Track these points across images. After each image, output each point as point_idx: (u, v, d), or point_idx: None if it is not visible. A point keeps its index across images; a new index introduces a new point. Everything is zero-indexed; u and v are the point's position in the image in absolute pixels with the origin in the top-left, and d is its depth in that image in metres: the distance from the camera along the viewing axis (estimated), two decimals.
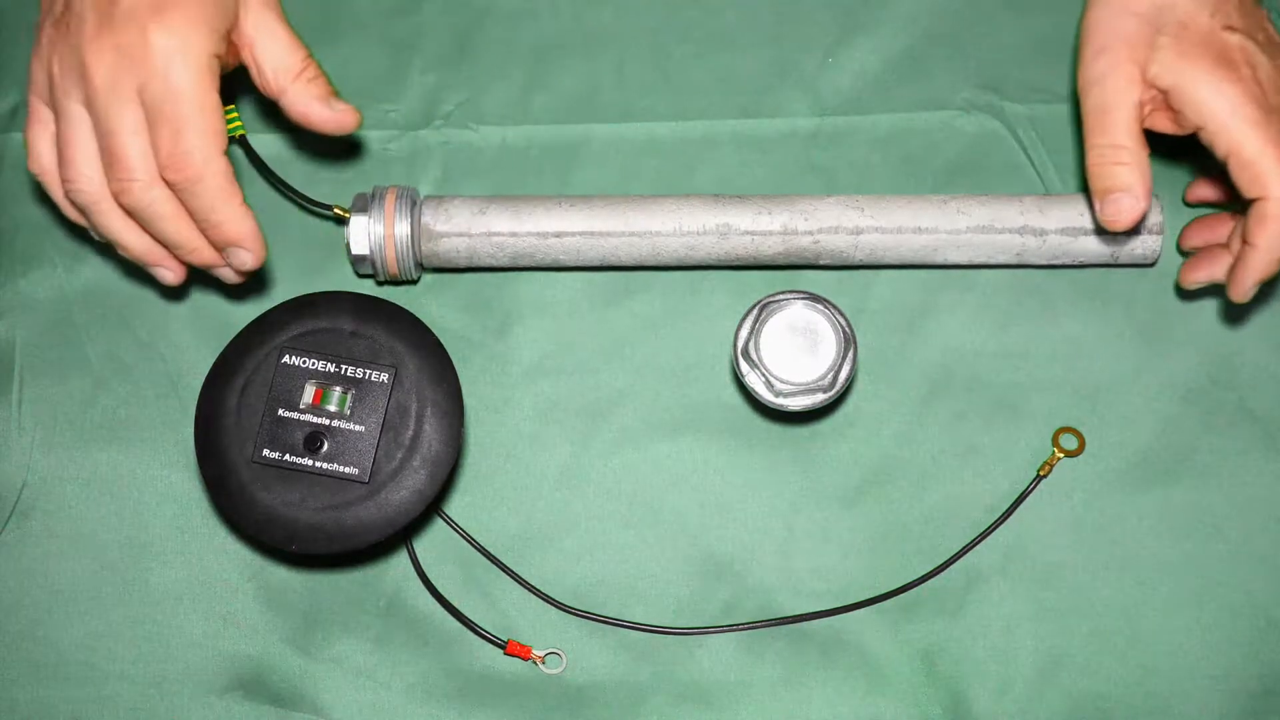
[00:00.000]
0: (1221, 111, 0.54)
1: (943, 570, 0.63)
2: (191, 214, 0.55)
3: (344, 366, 0.57)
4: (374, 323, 0.58)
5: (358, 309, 0.59)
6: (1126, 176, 0.56)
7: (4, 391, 0.64)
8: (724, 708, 0.61)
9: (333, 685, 0.61)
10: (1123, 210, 0.56)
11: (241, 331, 0.59)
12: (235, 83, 0.60)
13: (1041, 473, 0.63)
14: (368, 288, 0.67)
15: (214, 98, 0.54)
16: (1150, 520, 0.63)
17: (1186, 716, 0.61)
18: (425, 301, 0.66)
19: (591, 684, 0.61)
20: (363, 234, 0.63)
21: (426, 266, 0.65)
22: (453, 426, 0.58)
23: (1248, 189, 0.55)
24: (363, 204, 0.63)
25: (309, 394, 0.57)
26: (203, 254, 0.57)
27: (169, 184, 0.54)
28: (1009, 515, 0.63)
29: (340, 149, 0.69)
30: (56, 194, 0.58)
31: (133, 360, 0.65)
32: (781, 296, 0.60)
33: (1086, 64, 0.57)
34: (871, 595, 0.62)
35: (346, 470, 0.56)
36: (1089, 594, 0.62)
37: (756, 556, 0.63)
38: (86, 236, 0.61)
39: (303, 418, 0.57)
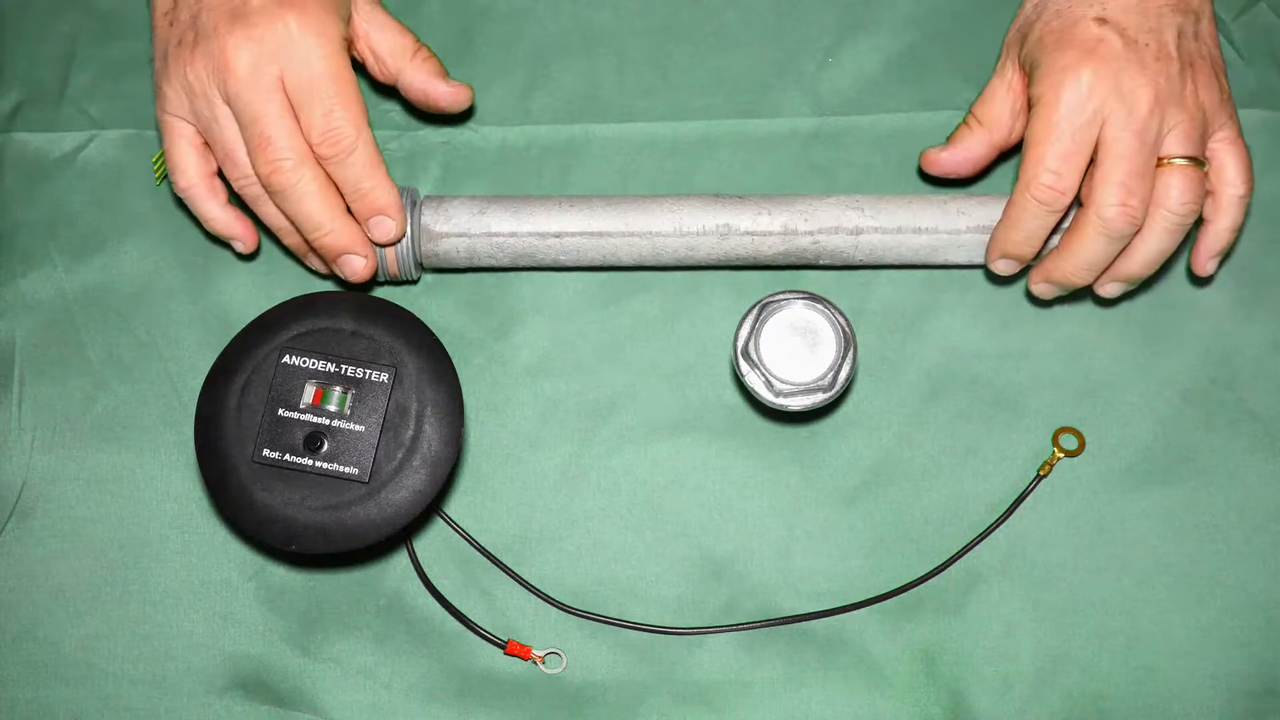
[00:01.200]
0: (1039, 95, 0.57)
1: (943, 570, 0.63)
2: (341, 186, 0.59)
3: (344, 366, 0.57)
4: (374, 323, 0.58)
5: (358, 309, 0.59)
6: (958, 132, 0.63)
7: (4, 391, 0.65)
8: (724, 708, 0.61)
9: (333, 685, 0.61)
10: (929, 158, 0.64)
11: (241, 331, 0.59)
12: None
13: (1041, 473, 0.63)
14: (368, 287, 0.67)
15: (353, 76, 0.59)
16: (1150, 520, 0.63)
17: (1186, 716, 0.61)
18: (425, 301, 0.66)
19: (591, 684, 0.61)
20: None
21: (426, 266, 0.65)
22: (453, 426, 0.58)
23: (1019, 169, 0.58)
24: None
25: (309, 394, 0.57)
26: (339, 235, 0.60)
27: (322, 160, 0.58)
28: (1009, 515, 0.63)
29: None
30: (204, 205, 0.62)
31: (133, 360, 0.65)
32: (781, 296, 0.60)
33: (1001, 55, 0.63)
34: (871, 595, 0.62)
35: (346, 470, 0.56)
36: (1089, 594, 0.62)
37: (756, 556, 0.63)
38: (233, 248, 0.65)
39: (303, 418, 0.57)
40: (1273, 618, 0.62)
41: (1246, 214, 0.60)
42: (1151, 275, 0.60)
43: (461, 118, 0.69)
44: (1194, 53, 0.58)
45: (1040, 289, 0.62)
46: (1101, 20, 0.57)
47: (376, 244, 0.62)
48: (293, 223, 0.60)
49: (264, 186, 0.58)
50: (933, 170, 0.64)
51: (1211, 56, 0.59)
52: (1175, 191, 0.57)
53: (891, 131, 0.69)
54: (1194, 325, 0.65)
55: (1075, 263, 0.59)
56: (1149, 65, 0.56)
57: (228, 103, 0.58)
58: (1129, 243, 0.58)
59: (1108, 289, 0.61)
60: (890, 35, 0.70)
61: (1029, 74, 0.59)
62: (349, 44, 0.60)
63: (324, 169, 0.58)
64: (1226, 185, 0.59)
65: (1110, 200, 0.56)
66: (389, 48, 0.62)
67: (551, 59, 0.70)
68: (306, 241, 0.61)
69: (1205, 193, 0.59)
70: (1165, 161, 0.57)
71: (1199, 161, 0.57)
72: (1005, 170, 0.68)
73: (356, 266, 0.61)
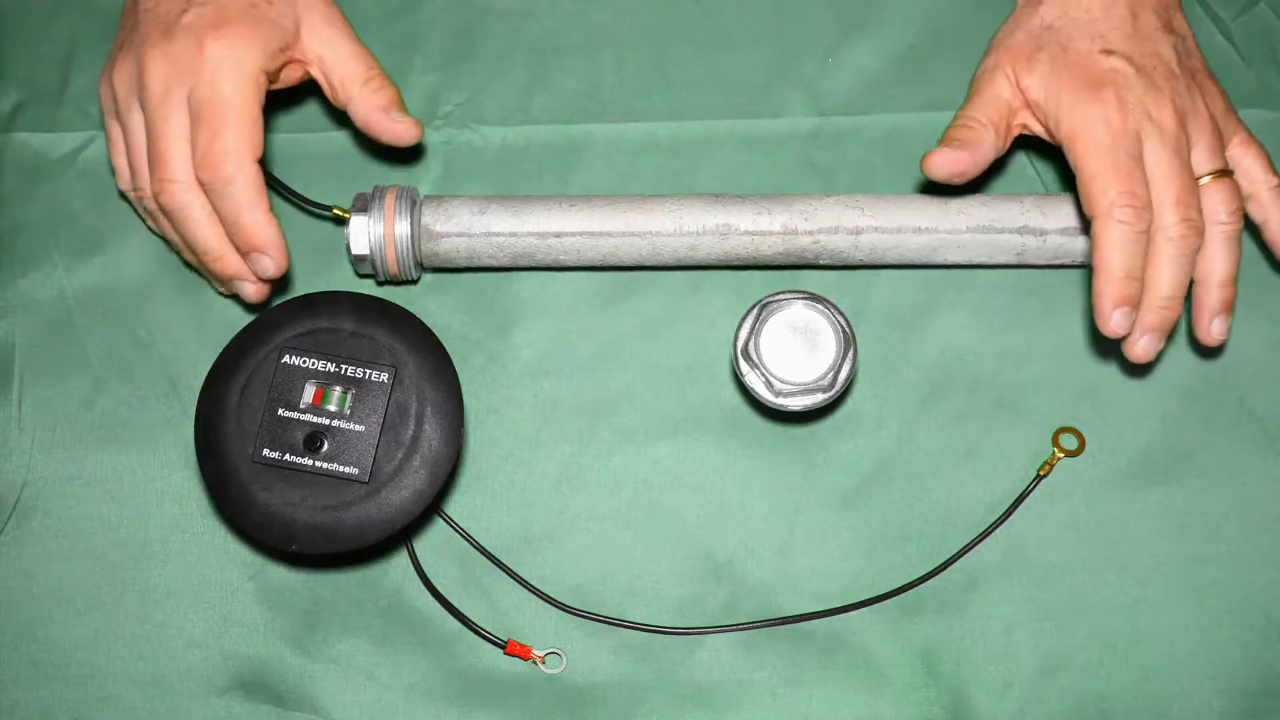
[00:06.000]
0: (1075, 131, 0.57)
1: (943, 570, 0.63)
2: (220, 217, 0.58)
3: (344, 366, 0.57)
4: (374, 323, 0.58)
5: (358, 309, 0.59)
6: (962, 134, 0.60)
7: (4, 391, 0.65)
8: (724, 708, 0.61)
9: (333, 685, 0.61)
10: (938, 160, 0.59)
11: (241, 331, 0.59)
12: None
13: (1041, 473, 0.63)
14: (368, 288, 0.67)
15: (255, 109, 0.57)
16: (1150, 520, 0.63)
17: (1186, 716, 0.61)
18: (425, 301, 0.66)
19: (591, 684, 0.61)
20: (363, 234, 0.63)
21: (426, 266, 0.65)
22: (453, 426, 0.58)
23: (1085, 208, 0.57)
24: (363, 204, 0.63)
25: (309, 394, 0.57)
26: (227, 261, 0.59)
27: (202, 184, 0.57)
28: (1009, 515, 0.63)
29: (335, 150, 0.69)
30: (139, 208, 0.62)
31: (133, 360, 0.65)
32: (781, 296, 0.60)
33: (981, 63, 0.62)
34: (871, 595, 0.62)
35: (346, 470, 0.56)
36: (1089, 594, 0.62)
37: (756, 556, 0.63)
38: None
39: (303, 418, 0.57)
40: (1273, 618, 0.62)
41: None
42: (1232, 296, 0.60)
43: (461, 118, 0.69)
44: (1193, 68, 0.60)
45: (1142, 345, 0.58)
46: (1108, 51, 0.58)
47: (259, 279, 0.60)
48: (186, 247, 0.60)
49: (156, 204, 0.58)
50: (945, 170, 0.59)
51: (1205, 69, 0.61)
52: (1221, 207, 0.58)
53: (891, 131, 0.69)
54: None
55: (1159, 296, 0.57)
56: (1163, 87, 0.57)
57: (143, 113, 0.58)
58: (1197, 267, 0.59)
59: (1215, 329, 0.60)
60: (890, 35, 0.70)
61: (1041, 105, 0.59)
62: (284, 70, 0.60)
63: None
64: (1262, 184, 0.61)
65: (1172, 220, 0.56)
66: (340, 74, 0.61)
67: (551, 59, 0.70)
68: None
69: (1242, 197, 0.60)
70: (1200, 179, 0.58)
71: (1228, 171, 0.59)
72: (1006, 170, 0.68)
73: (248, 291, 0.61)
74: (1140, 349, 0.58)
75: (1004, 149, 0.61)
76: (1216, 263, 0.59)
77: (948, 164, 0.59)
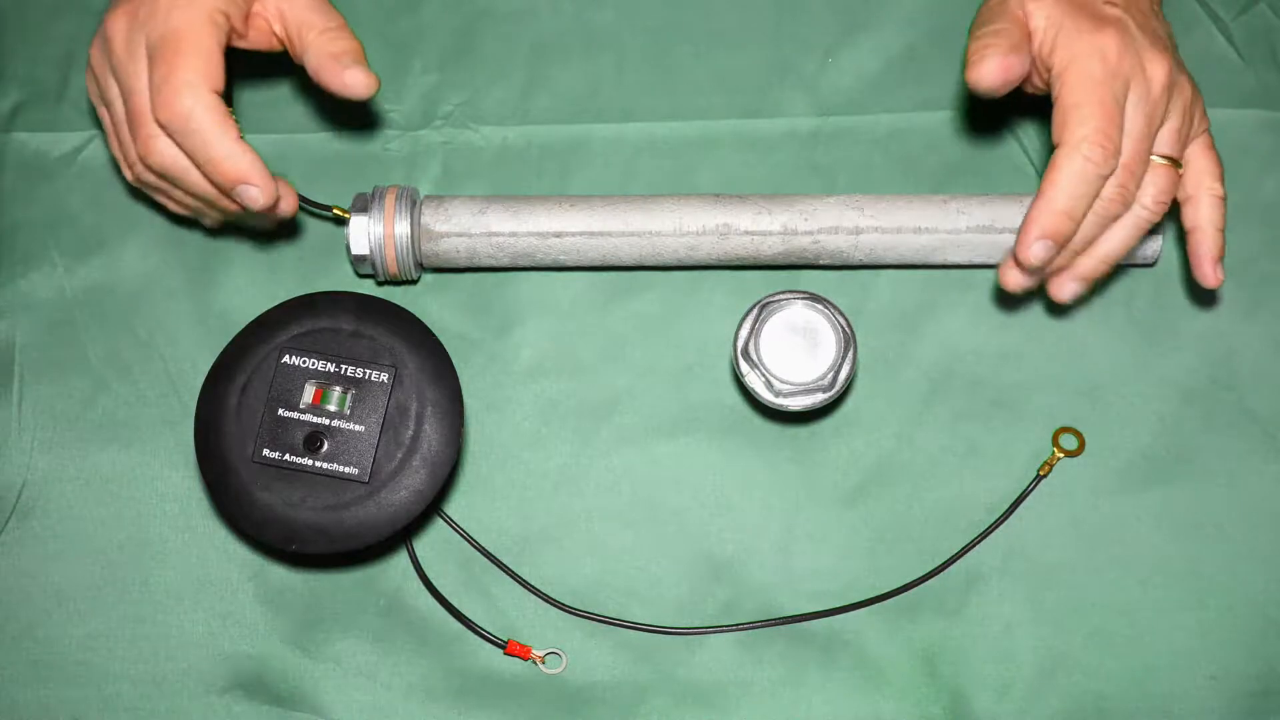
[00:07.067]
0: (1071, 57, 0.55)
1: (943, 570, 0.63)
2: (192, 159, 0.55)
3: (344, 366, 0.57)
4: (374, 323, 0.58)
5: (358, 309, 0.59)
6: (992, 41, 0.56)
7: (4, 391, 0.64)
8: (724, 708, 0.61)
9: (333, 685, 0.61)
10: (987, 67, 0.56)
11: (241, 331, 0.59)
12: (232, 85, 0.60)
13: (1041, 473, 0.63)
14: (368, 288, 0.67)
15: (210, 43, 0.54)
16: (1150, 520, 0.63)
17: (1186, 716, 0.61)
18: (425, 301, 0.66)
19: (591, 684, 0.61)
20: (363, 234, 0.63)
21: (426, 266, 0.65)
22: (453, 426, 0.58)
23: (1055, 134, 0.56)
24: (363, 204, 0.63)
25: (309, 394, 0.57)
26: (228, 202, 0.58)
27: (164, 128, 0.54)
28: (1009, 515, 0.63)
29: (335, 150, 0.69)
30: (151, 194, 0.61)
31: (133, 360, 0.65)
32: (781, 296, 0.60)
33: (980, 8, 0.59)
34: (871, 595, 0.62)
35: (346, 470, 0.56)
36: (1089, 594, 0.62)
37: (756, 556, 0.63)
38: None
39: (303, 418, 0.57)
40: (1273, 618, 0.62)
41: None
42: (1105, 279, 0.60)
43: (461, 118, 0.69)
44: (1179, 60, 0.59)
45: (1069, 289, 0.60)
46: (1111, 3, 0.57)
47: (249, 210, 0.58)
48: (192, 204, 0.59)
49: (151, 175, 0.58)
50: (1000, 75, 0.56)
51: (1184, 65, 0.60)
52: (1152, 191, 0.57)
53: (891, 131, 0.69)
54: (1194, 325, 0.65)
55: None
56: (1161, 51, 0.57)
57: (115, 79, 0.57)
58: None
59: (1068, 289, 0.60)
60: (890, 35, 0.70)
61: (1039, 35, 0.57)
62: (249, 25, 0.58)
63: None
64: (1207, 189, 0.59)
65: (1114, 180, 0.56)
66: (298, 24, 0.58)
67: (551, 59, 0.70)
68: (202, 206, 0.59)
69: (1181, 196, 0.59)
70: (1151, 156, 0.57)
71: (1178, 164, 0.58)
72: (1006, 170, 0.68)
73: (284, 209, 0.59)
74: (1068, 293, 0.59)
75: (1029, 65, 0.57)
76: (1114, 238, 0.58)
77: (999, 69, 0.56)
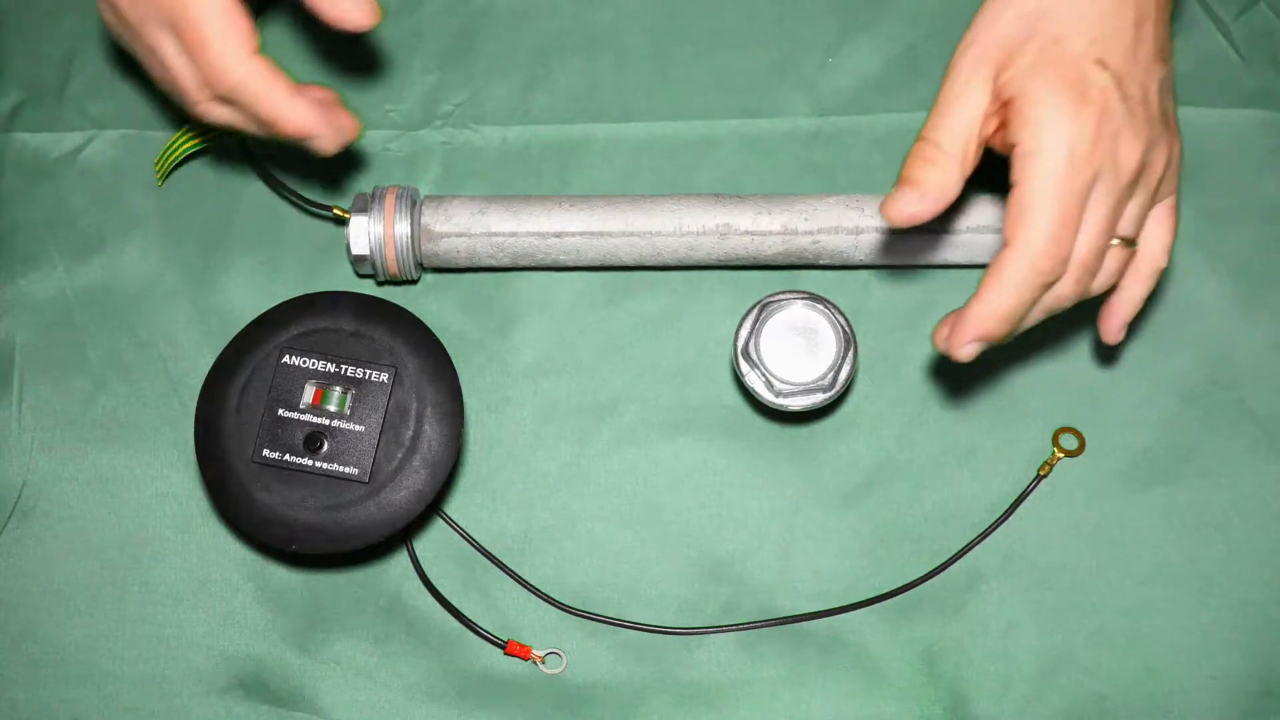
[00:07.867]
0: (1038, 141, 0.50)
1: (943, 570, 0.63)
2: (249, 119, 0.55)
3: (344, 366, 0.57)
4: (374, 323, 0.58)
5: (358, 309, 0.59)
6: (922, 172, 0.52)
7: (4, 391, 0.65)
8: (724, 708, 0.61)
9: (333, 685, 0.61)
10: (898, 204, 0.52)
11: (241, 331, 0.59)
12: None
13: (1041, 473, 0.63)
14: (368, 288, 0.67)
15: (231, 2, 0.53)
16: (1150, 520, 0.63)
17: (1186, 716, 0.61)
18: (425, 301, 0.66)
19: (591, 684, 0.61)
20: (363, 234, 0.63)
21: (426, 266, 0.65)
22: (453, 426, 0.58)
23: (1005, 226, 0.51)
24: (363, 204, 0.63)
25: (309, 394, 0.57)
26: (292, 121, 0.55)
27: (222, 101, 0.54)
28: (1009, 515, 0.63)
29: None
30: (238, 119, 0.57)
31: (133, 360, 0.65)
32: (781, 296, 0.60)
33: (957, 53, 0.53)
34: (871, 595, 0.62)
35: (346, 470, 0.56)
36: (1089, 594, 0.62)
37: (756, 556, 0.63)
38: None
39: (303, 418, 0.57)
40: (1273, 618, 0.62)
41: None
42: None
43: (461, 118, 0.69)
44: (1169, 111, 0.54)
45: (969, 350, 0.53)
46: (1102, 64, 0.51)
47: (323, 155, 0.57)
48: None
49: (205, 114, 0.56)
50: (905, 222, 0.52)
51: (1174, 110, 0.55)
52: (1104, 276, 0.53)
53: (891, 131, 0.69)
54: (1194, 325, 0.65)
55: (1003, 316, 0.52)
56: (1141, 128, 0.52)
57: (138, 44, 0.55)
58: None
59: (967, 350, 0.53)
60: (890, 35, 0.70)
61: (1013, 102, 0.51)
62: None
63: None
64: (1153, 259, 0.55)
65: (1068, 278, 0.52)
66: None
67: (551, 59, 0.70)
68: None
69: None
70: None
71: (1134, 244, 0.54)
72: (1006, 170, 0.68)
73: (325, 149, 0.57)
74: (967, 354, 0.53)
75: (970, 173, 0.53)
76: (1039, 307, 0.53)
77: (907, 214, 0.52)
